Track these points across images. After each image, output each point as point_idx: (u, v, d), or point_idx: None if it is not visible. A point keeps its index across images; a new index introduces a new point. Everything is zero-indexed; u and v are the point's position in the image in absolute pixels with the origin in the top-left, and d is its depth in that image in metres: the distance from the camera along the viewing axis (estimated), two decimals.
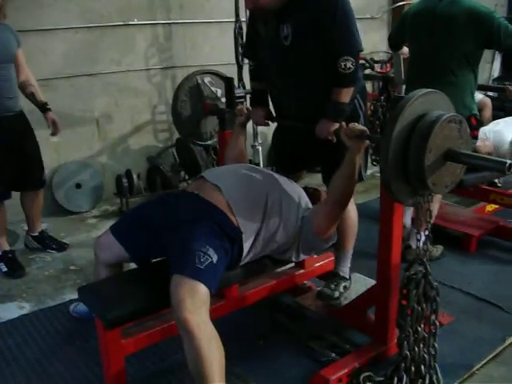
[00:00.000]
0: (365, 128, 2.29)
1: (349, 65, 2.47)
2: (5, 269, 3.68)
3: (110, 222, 2.82)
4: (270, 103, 2.98)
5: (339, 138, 2.37)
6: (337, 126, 2.50)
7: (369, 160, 2.76)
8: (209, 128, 3.62)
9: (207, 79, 3.65)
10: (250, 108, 2.98)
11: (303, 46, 2.55)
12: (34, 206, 3.93)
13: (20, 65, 3.66)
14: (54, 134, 3.82)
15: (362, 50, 2.58)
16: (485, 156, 2.19)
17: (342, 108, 2.56)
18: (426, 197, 2.07)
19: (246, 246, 2.36)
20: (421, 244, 2.13)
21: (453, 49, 3.29)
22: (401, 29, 3.74)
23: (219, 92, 3.68)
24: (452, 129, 1.92)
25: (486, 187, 4.01)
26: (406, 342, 2.16)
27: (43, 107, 3.73)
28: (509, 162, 1.82)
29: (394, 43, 3.99)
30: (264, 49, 2.75)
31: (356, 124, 2.30)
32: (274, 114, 2.96)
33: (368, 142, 2.36)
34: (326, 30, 2.47)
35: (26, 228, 4.12)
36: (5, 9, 3.60)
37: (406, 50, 4.13)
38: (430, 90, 1.98)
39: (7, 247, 3.79)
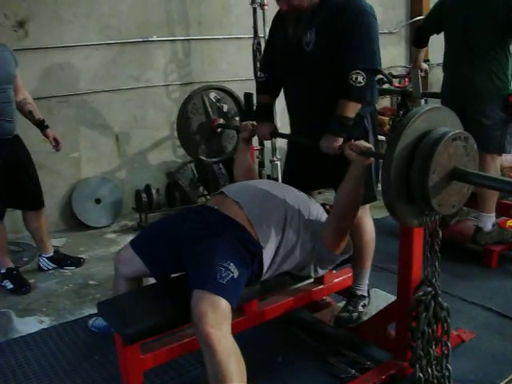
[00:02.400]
0: (370, 145, 2.28)
1: (359, 79, 2.41)
2: (10, 286, 3.69)
3: (129, 237, 2.82)
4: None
5: (342, 155, 2.34)
6: (341, 140, 2.45)
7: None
8: (217, 145, 3.51)
9: (212, 95, 3.57)
10: (255, 123, 2.92)
11: (323, 54, 2.52)
12: (37, 227, 3.88)
13: (18, 85, 3.65)
14: (57, 150, 3.82)
15: (377, 70, 2.54)
16: (492, 176, 2.14)
17: (346, 122, 2.48)
18: (434, 217, 2.01)
19: (266, 260, 2.35)
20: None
21: (486, 30, 3.40)
22: (437, 14, 3.77)
23: (225, 107, 3.61)
24: (457, 147, 1.85)
25: (507, 202, 3.96)
26: (418, 365, 2.13)
27: (41, 125, 3.75)
28: None
29: (424, 33, 3.96)
30: (285, 55, 2.72)
31: (362, 141, 2.29)
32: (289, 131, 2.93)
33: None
34: (346, 40, 2.45)
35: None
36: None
37: (424, 65, 4.14)
38: (434, 105, 1.93)
39: (11, 264, 3.79)
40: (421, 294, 2.13)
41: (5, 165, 3.52)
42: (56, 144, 3.77)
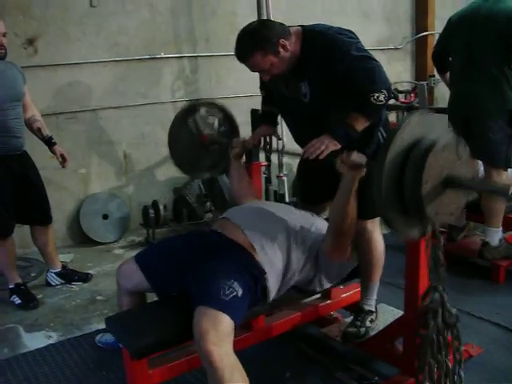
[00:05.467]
0: (363, 158, 2.20)
1: (381, 97, 2.34)
2: (18, 301, 3.70)
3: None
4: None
5: (334, 167, 2.27)
6: (338, 146, 2.38)
7: None
8: (207, 161, 3.42)
9: (202, 111, 3.47)
10: (246, 138, 2.96)
11: (322, 102, 2.50)
12: (45, 242, 3.90)
13: (26, 102, 3.68)
14: (63, 166, 3.81)
15: (390, 86, 2.47)
16: (484, 181, 2.11)
17: (350, 133, 2.40)
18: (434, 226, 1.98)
19: (272, 285, 2.35)
20: None
21: (490, 47, 3.43)
22: (446, 36, 3.82)
23: (216, 122, 3.50)
24: (448, 154, 1.82)
25: None
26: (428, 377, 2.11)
27: (49, 142, 3.75)
28: None
29: (439, 57, 3.96)
30: (285, 107, 2.76)
31: (354, 152, 2.21)
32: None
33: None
34: (351, 77, 2.36)
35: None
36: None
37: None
38: (423, 113, 1.89)
39: (19, 280, 3.80)
40: (428, 301, 2.11)
41: (13, 180, 3.54)
42: (63, 161, 3.77)
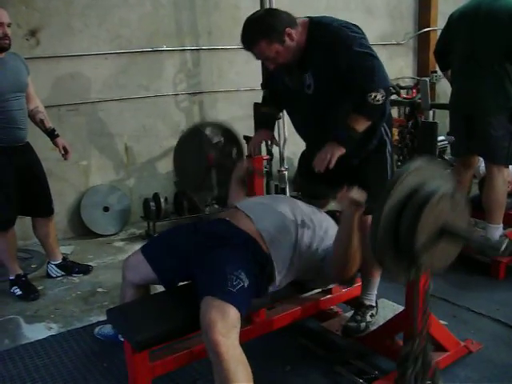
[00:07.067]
0: (362, 196, 2.20)
1: (378, 97, 2.35)
2: (19, 292, 3.71)
3: (137, 246, 2.82)
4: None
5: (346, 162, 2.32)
6: (343, 151, 2.43)
7: None
8: (211, 181, 3.38)
9: (207, 131, 3.42)
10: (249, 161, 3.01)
11: (325, 94, 2.50)
12: (46, 234, 3.91)
13: (30, 93, 3.69)
14: (65, 158, 3.83)
15: (389, 86, 2.50)
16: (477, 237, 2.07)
17: (353, 135, 2.42)
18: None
19: (278, 275, 2.37)
20: None
21: (492, 44, 3.43)
22: (447, 33, 3.82)
23: (221, 143, 3.48)
24: (444, 205, 1.78)
25: None
26: None
27: (52, 134, 3.76)
28: (504, 246, 1.70)
29: (440, 55, 3.97)
30: (288, 98, 2.75)
31: (355, 190, 2.21)
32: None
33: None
34: (352, 71, 2.38)
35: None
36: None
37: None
38: (423, 161, 1.84)
39: (20, 271, 3.80)
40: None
41: (16, 172, 3.54)
42: (65, 153, 3.78)
